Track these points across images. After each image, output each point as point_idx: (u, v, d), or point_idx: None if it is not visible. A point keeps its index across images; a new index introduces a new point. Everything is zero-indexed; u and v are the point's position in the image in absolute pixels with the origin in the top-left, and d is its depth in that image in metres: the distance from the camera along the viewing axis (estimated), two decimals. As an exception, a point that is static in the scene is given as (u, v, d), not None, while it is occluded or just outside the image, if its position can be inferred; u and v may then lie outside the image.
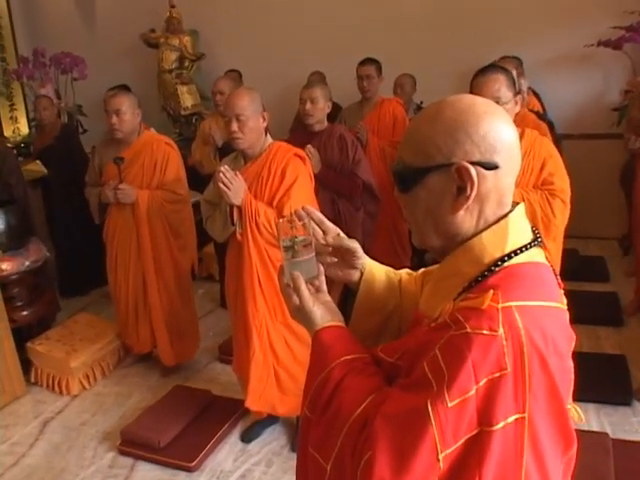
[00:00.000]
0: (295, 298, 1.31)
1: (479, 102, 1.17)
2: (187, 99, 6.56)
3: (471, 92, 3.21)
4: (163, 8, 6.61)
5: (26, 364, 4.29)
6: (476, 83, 3.05)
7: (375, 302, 1.42)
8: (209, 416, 3.67)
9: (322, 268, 1.35)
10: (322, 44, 6.20)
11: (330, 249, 1.39)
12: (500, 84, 2.88)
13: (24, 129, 7.52)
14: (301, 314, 1.32)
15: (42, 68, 6.63)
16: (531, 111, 4.33)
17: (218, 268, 5.28)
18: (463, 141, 1.11)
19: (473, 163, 1.10)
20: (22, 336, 4.33)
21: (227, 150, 4.29)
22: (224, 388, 4.02)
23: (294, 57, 6.31)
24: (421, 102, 5.56)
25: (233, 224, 3.02)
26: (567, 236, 3.20)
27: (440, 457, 1.01)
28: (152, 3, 6.79)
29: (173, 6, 6.56)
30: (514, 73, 3.16)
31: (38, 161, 5.53)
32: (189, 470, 3.33)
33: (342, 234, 1.40)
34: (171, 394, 3.88)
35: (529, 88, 4.81)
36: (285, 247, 1.32)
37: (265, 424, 3.59)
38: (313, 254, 1.33)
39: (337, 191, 3.76)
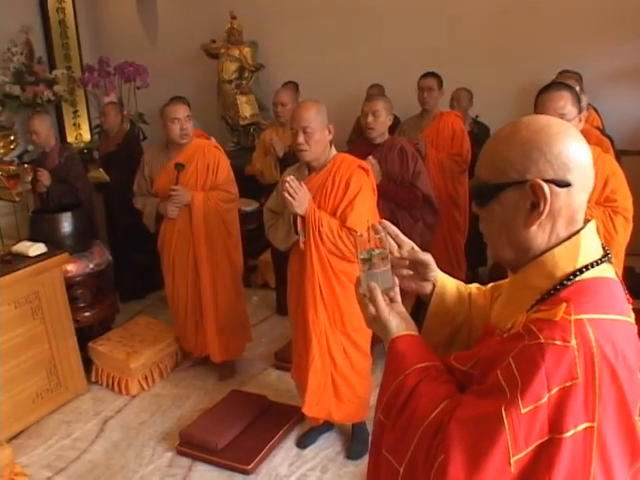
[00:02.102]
0: (371, 308, 1.37)
1: (553, 122, 1.22)
2: (246, 109, 6.66)
3: (536, 109, 3.23)
4: (224, 19, 6.73)
5: (87, 363, 4.43)
6: (541, 100, 3.07)
7: (446, 314, 1.47)
8: (265, 421, 3.74)
9: (397, 280, 1.41)
10: (380, 57, 6.23)
11: (406, 262, 1.44)
12: (565, 101, 2.89)
13: (86, 135, 7.74)
14: (377, 323, 1.37)
15: (107, 77, 6.82)
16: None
17: (275, 276, 5.36)
18: (537, 159, 1.16)
19: (547, 181, 1.15)
20: (84, 336, 4.45)
21: (288, 160, 4.39)
22: (279, 394, 4.08)
23: (352, 69, 6.35)
24: (477, 116, 5.56)
25: (297, 233, 3.08)
26: (625, 254, 3.19)
27: (512, 461, 1.05)
28: (213, 14, 6.91)
29: (234, 17, 6.67)
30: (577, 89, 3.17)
31: (101, 168, 5.70)
32: (245, 473, 3.41)
33: (416, 247, 1.46)
34: (228, 398, 3.96)
35: (588, 103, 4.78)
36: (363, 259, 1.38)
37: (320, 430, 3.64)
38: (389, 266, 1.39)
39: (397, 202, 3.80)
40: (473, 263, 5.31)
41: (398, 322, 1.36)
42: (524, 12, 5.65)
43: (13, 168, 6.10)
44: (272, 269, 5.45)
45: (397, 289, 1.41)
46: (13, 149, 6.43)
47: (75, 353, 4.28)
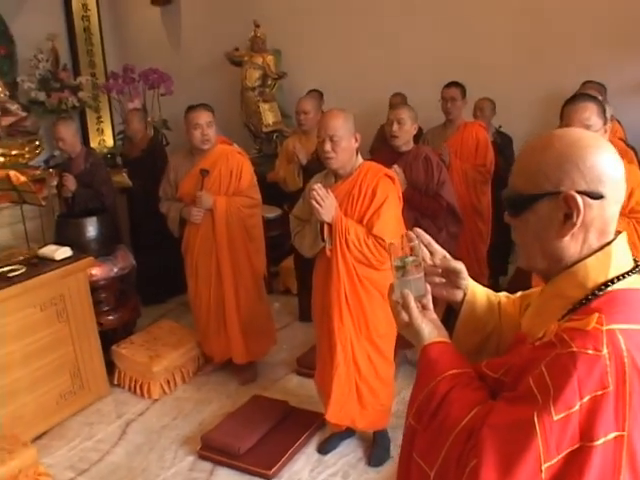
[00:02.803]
0: (404, 314, 1.40)
1: (586, 135, 1.25)
2: (269, 116, 6.71)
3: (561, 120, 3.24)
4: (248, 28, 6.78)
5: (110, 366, 4.47)
6: (567, 111, 3.08)
7: (476, 322, 1.49)
8: (287, 426, 3.76)
9: (429, 287, 1.43)
10: (403, 66, 6.25)
11: (439, 270, 1.47)
12: (591, 112, 2.90)
13: (109, 141, 7.83)
14: (409, 330, 1.40)
15: (131, 83, 6.89)
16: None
17: (297, 282, 5.39)
18: (571, 172, 1.19)
19: (580, 192, 1.18)
20: (107, 339, 4.50)
21: (310, 168, 4.42)
22: (301, 400, 4.10)
23: (374, 78, 6.38)
24: (500, 126, 5.56)
25: (323, 240, 3.11)
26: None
27: (543, 468, 1.07)
28: (237, 23, 6.97)
29: (258, 26, 6.72)
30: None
31: (124, 173, 5.76)
32: (267, 477, 3.43)
33: (448, 256, 1.48)
34: (250, 403, 3.99)
35: (611, 115, 4.78)
36: (396, 266, 1.41)
37: (342, 437, 3.66)
38: (422, 274, 1.41)
39: (421, 211, 3.82)
40: (494, 272, 5.32)
41: (430, 329, 1.38)
42: (547, 22, 5.64)
43: (38, 172, 6.18)
44: (294, 275, 5.49)
45: (429, 296, 1.43)
46: (38, 154, 6.49)
47: (98, 356, 4.33)
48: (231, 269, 4.18)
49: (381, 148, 4.60)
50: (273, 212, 5.68)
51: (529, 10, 5.71)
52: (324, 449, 3.64)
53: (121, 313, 4.76)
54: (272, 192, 5.21)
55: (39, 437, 3.92)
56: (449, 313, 1.54)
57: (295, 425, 3.77)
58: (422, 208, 3.85)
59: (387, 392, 3.41)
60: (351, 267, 3.10)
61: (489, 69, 5.80)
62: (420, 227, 3.59)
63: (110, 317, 4.66)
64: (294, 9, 6.87)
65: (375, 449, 3.55)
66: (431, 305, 1.44)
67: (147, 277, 5.47)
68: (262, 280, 4.42)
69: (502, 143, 5.33)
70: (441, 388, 1.28)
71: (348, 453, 3.62)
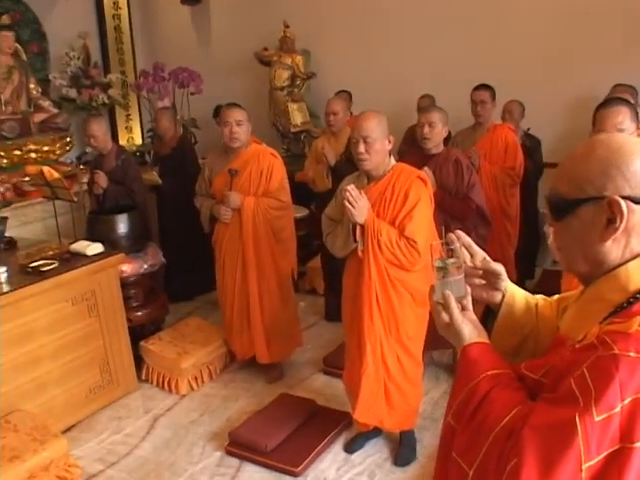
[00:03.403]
0: (445, 315, 1.41)
1: (630, 141, 1.27)
2: (297, 116, 6.74)
3: (594, 124, 3.24)
4: (277, 28, 6.82)
5: (138, 361, 4.52)
6: (599, 115, 3.08)
7: (514, 324, 1.51)
8: (314, 425, 3.79)
9: (469, 288, 1.45)
10: (431, 67, 6.25)
11: (479, 271, 1.49)
12: (623, 116, 2.90)
13: (138, 139, 7.92)
14: (450, 330, 1.42)
15: (161, 82, 6.95)
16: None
17: (324, 282, 5.42)
18: (615, 177, 1.20)
19: (623, 197, 1.19)
20: (135, 335, 4.55)
21: (339, 169, 4.45)
22: (327, 399, 4.13)
23: (403, 79, 6.38)
24: (528, 129, 5.54)
25: (355, 241, 3.13)
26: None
27: (583, 467, 1.08)
28: (266, 23, 7.01)
29: (287, 26, 6.76)
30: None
31: (154, 172, 5.82)
32: (294, 475, 3.46)
33: (488, 258, 1.50)
34: (277, 401, 4.02)
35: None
36: (438, 267, 1.43)
37: (369, 436, 3.68)
38: (463, 275, 1.43)
39: (450, 214, 3.82)
40: (521, 276, 5.30)
41: (471, 329, 1.40)
42: (578, 24, 5.61)
43: (69, 169, 6.27)
44: (320, 275, 5.52)
45: (469, 297, 1.45)
46: (69, 150, 6.60)
47: (127, 351, 4.39)
48: (255, 270, 4.22)
49: (410, 150, 4.61)
50: (300, 212, 5.70)
51: (559, 11, 5.68)
52: (351, 448, 3.66)
53: (150, 309, 4.81)
54: (300, 192, 5.24)
55: (68, 429, 3.98)
56: (487, 314, 1.56)
57: (322, 424, 3.79)
58: (452, 210, 3.86)
59: (415, 392, 3.43)
60: (382, 268, 3.12)
61: (518, 71, 5.78)
62: (449, 229, 3.60)
63: (139, 313, 4.72)
64: (323, 10, 6.91)
65: (402, 449, 3.57)
66: (471, 306, 1.45)
67: (175, 274, 5.52)
68: (289, 283, 4.43)
69: (531, 146, 5.31)
70: (481, 388, 1.29)
71: (374, 453, 3.64)
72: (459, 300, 1.42)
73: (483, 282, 1.50)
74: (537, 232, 5.52)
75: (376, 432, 3.68)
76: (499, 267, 1.49)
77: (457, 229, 1.50)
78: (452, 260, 1.42)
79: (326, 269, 5.23)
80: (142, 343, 4.57)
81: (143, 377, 4.55)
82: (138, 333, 4.64)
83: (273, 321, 4.30)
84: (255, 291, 4.24)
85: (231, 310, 4.39)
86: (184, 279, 5.70)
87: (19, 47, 6.47)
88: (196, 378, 4.43)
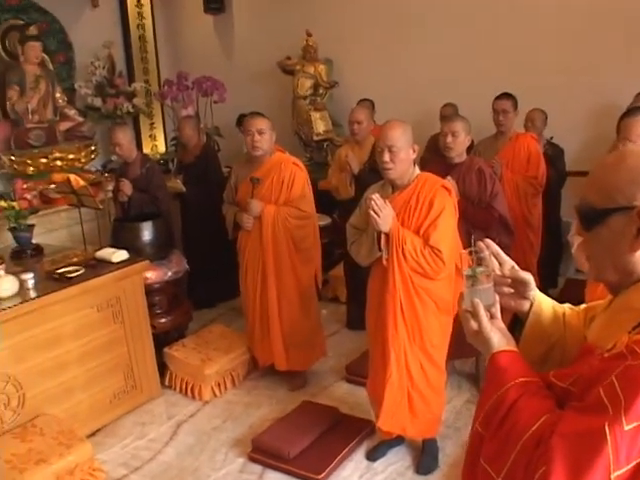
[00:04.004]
0: (473, 323, 1.42)
1: None
2: (320, 125, 6.78)
3: (618, 132, 3.25)
4: (299, 37, 6.87)
5: (161, 368, 4.55)
6: (624, 124, 3.09)
7: (542, 332, 1.52)
8: (336, 432, 3.80)
9: (498, 297, 1.46)
10: (454, 76, 6.25)
11: (508, 280, 1.50)
12: (649, 125, 2.91)
13: (161, 147, 8.00)
14: (478, 338, 1.42)
15: (185, 90, 7.02)
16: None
17: (346, 291, 5.43)
18: None
19: None
20: (159, 342, 4.59)
21: (362, 177, 4.47)
22: (350, 407, 4.14)
23: (425, 88, 6.41)
24: (551, 137, 5.53)
25: (380, 250, 3.14)
26: None
27: (612, 476, 1.09)
28: (289, 32, 7.06)
29: (310, 35, 6.80)
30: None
31: (178, 180, 5.87)
32: (316, 482, 3.47)
33: (516, 267, 1.52)
34: (300, 408, 4.04)
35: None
36: (467, 276, 1.44)
37: (391, 444, 3.68)
38: (492, 284, 1.44)
39: (473, 223, 3.82)
40: (544, 284, 5.29)
41: (499, 337, 1.40)
42: (600, 33, 5.61)
43: (94, 176, 6.35)
44: (343, 283, 5.53)
45: (498, 306, 1.45)
46: (93, 158, 6.69)
47: (151, 357, 4.43)
48: (275, 277, 4.25)
49: (432, 159, 4.61)
50: (323, 220, 5.71)
51: (582, 20, 5.68)
52: (373, 456, 3.67)
53: (173, 316, 4.85)
54: (322, 200, 5.26)
55: (93, 434, 4.02)
56: (514, 323, 1.57)
57: (345, 431, 3.81)
58: (475, 220, 3.85)
59: (438, 401, 3.44)
60: (407, 277, 3.13)
61: (541, 79, 5.77)
62: (472, 238, 3.61)
63: (163, 320, 4.76)
64: (345, 19, 6.96)
65: (424, 457, 3.57)
66: (499, 314, 1.46)
67: (198, 281, 5.56)
68: (312, 292, 4.43)
69: (554, 154, 5.31)
70: (510, 395, 1.30)
71: (397, 461, 3.65)
72: (488, 308, 1.43)
73: (512, 290, 1.51)
74: (560, 241, 5.51)
75: (398, 440, 3.68)
76: (528, 276, 1.50)
77: (480, 239, 1.51)
78: (481, 268, 1.44)
79: (349, 277, 5.25)
80: (166, 349, 4.60)
81: (166, 383, 4.59)
82: (162, 340, 4.68)
83: (292, 329, 4.31)
84: (274, 298, 4.27)
85: (253, 316, 4.43)
86: (207, 286, 5.75)
87: (46, 57, 6.59)
88: (219, 385, 4.46)
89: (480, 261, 1.45)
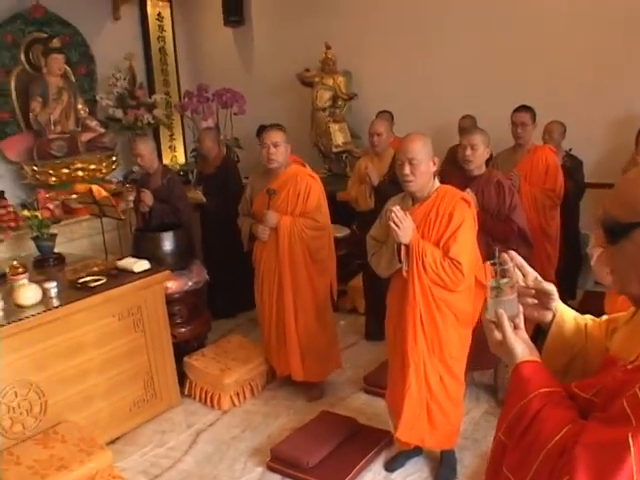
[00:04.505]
0: (497, 333, 1.44)
1: None
2: (338, 137, 6.81)
3: (637, 144, 3.25)
4: (318, 49, 6.93)
5: (180, 377, 4.59)
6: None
7: (564, 343, 1.54)
8: (354, 443, 3.81)
9: (521, 307, 1.48)
10: (472, 88, 6.28)
11: (532, 291, 1.52)
12: (668, 137, 2.91)
13: (181, 158, 8.08)
14: (502, 348, 1.44)
15: (205, 102, 7.09)
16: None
17: (365, 302, 5.45)
18: None
19: None
20: (179, 351, 4.63)
21: (382, 189, 4.49)
22: (368, 418, 4.15)
23: (443, 100, 6.43)
24: (570, 149, 5.52)
25: (400, 262, 3.17)
26: None
27: None
28: (308, 44, 7.11)
29: (329, 47, 6.85)
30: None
31: (198, 191, 5.93)
32: (335, 492, 3.48)
33: (540, 278, 1.53)
34: (319, 418, 4.05)
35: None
36: (491, 287, 1.46)
37: (409, 455, 3.70)
38: (515, 294, 1.46)
39: (492, 235, 3.83)
40: (562, 297, 5.27)
41: (523, 348, 1.42)
42: (617, 44, 5.60)
43: (114, 187, 6.42)
44: (361, 295, 5.56)
45: (521, 316, 1.47)
46: (114, 169, 6.76)
47: (171, 366, 4.46)
48: (291, 288, 4.28)
49: (451, 170, 4.63)
50: (342, 232, 5.75)
51: (600, 32, 5.66)
52: (391, 467, 3.68)
53: (193, 326, 4.90)
54: (341, 212, 5.29)
55: (113, 442, 4.05)
56: (537, 333, 1.58)
57: (363, 442, 3.82)
58: (493, 232, 3.86)
59: (457, 412, 3.44)
60: (427, 289, 3.15)
61: (559, 91, 5.78)
62: (491, 251, 3.62)
63: (183, 329, 4.81)
64: (364, 31, 7.00)
65: (442, 468, 3.58)
66: (522, 325, 1.47)
67: (218, 292, 5.60)
68: (327, 303, 4.46)
69: (572, 166, 5.29)
70: (533, 405, 1.31)
71: (415, 472, 3.66)
72: (512, 319, 1.44)
73: (535, 301, 1.53)
74: (578, 253, 5.50)
75: (417, 451, 3.70)
76: (551, 287, 1.52)
77: (503, 250, 1.53)
78: (505, 280, 1.45)
79: (367, 289, 5.27)
80: (186, 359, 4.64)
81: (186, 392, 4.62)
82: (181, 349, 4.72)
83: (308, 340, 4.34)
84: (291, 309, 4.30)
85: (269, 327, 4.47)
86: (226, 296, 5.79)
87: (68, 69, 6.69)
88: (238, 394, 4.49)
89: (504, 273, 1.46)
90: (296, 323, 4.32)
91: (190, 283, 4.79)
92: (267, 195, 4.20)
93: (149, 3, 7.80)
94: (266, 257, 4.35)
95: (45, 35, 6.59)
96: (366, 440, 3.84)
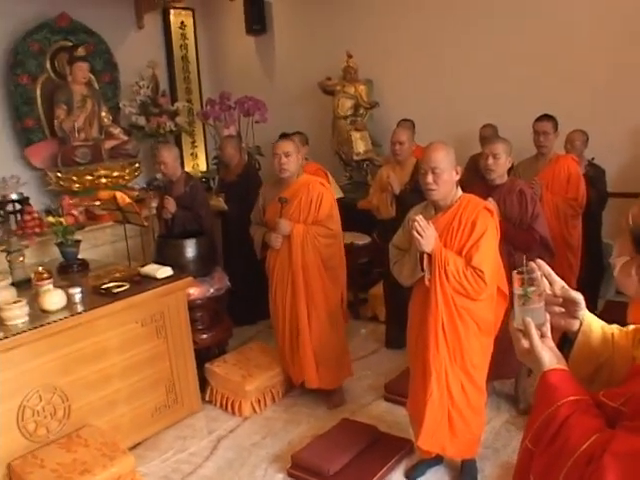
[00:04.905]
0: (524, 341, 1.45)
1: None
2: (360, 145, 6.84)
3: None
4: (340, 58, 6.96)
5: (202, 383, 4.62)
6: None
7: (590, 352, 1.53)
8: (375, 451, 3.81)
9: (548, 316, 1.49)
10: (494, 97, 6.27)
11: (559, 300, 1.53)
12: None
13: (203, 165, 8.14)
14: (530, 356, 1.45)
15: (227, 110, 7.14)
16: None
17: (385, 310, 5.46)
18: None
19: None
20: (200, 357, 4.65)
21: (404, 198, 4.50)
22: (389, 426, 4.14)
23: (464, 109, 6.44)
24: (592, 158, 5.50)
25: (422, 270, 3.18)
26: None
27: None
28: (329, 53, 7.18)
29: (350, 56, 6.89)
30: None
31: (220, 198, 5.97)
32: (355, 499, 3.48)
33: (567, 286, 1.54)
34: (339, 426, 4.06)
35: None
36: (519, 295, 1.47)
37: (430, 464, 3.69)
38: (543, 303, 1.47)
39: (514, 244, 3.83)
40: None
41: (550, 356, 1.42)
42: (638, 52, 5.59)
43: (137, 194, 6.49)
44: (382, 302, 5.56)
45: (548, 325, 1.48)
46: (137, 176, 6.83)
47: (193, 372, 4.49)
48: (305, 295, 4.30)
49: (473, 179, 4.63)
50: (362, 240, 5.76)
51: (621, 40, 5.65)
52: (412, 475, 3.67)
53: (215, 332, 4.93)
54: (362, 220, 5.30)
55: (134, 447, 4.07)
56: (563, 342, 1.59)
57: (384, 450, 3.82)
58: (515, 241, 3.86)
59: (478, 421, 3.44)
60: (449, 297, 3.15)
61: (581, 99, 5.77)
62: (513, 260, 3.61)
63: (204, 336, 4.83)
64: (386, 40, 7.03)
65: (463, 477, 3.57)
66: (549, 333, 1.48)
67: (239, 298, 5.63)
68: (339, 311, 4.47)
69: (594, 175, 5.25)
70: (561, 413, 1.31)
71: (435, 480, 3.67)
72: (539, 327, 1.45)
73: (562, 310, 1.53)
74: (601, 263, 5.46)
75: (437, 460, 3.69)
76: (578, 296, 1.52)
77: (521, 260, 1.54)
78: (533, 288, 1.46)
79: (388, 297, 5.28)
80: (207, 365, 4.67)
81: (207, 398, 4.65)
82: (203, 355, 4.75)
83: (322, 347, 4.36)
84: (304, 316, 4.32)
85: (282, 335, 4.48)
86: (247, 303, 5.81)
87: (92, 77, 6.77)
88: (259, 401, 4.51)
89: (531, 281, 1.47)
90: (310, 330, 4.34)
91: (212, 290, 4.82)
92: (279, 203, 4.23)
93: (172, 12, 7.90)
94: (279, 265, 4.37)
95: (70, 44, 6.69)
96: (387, 448, 3.84)
